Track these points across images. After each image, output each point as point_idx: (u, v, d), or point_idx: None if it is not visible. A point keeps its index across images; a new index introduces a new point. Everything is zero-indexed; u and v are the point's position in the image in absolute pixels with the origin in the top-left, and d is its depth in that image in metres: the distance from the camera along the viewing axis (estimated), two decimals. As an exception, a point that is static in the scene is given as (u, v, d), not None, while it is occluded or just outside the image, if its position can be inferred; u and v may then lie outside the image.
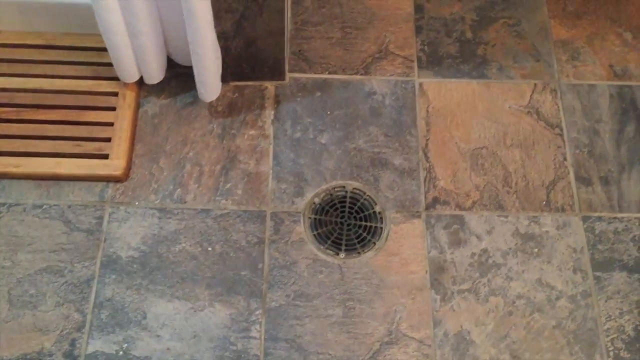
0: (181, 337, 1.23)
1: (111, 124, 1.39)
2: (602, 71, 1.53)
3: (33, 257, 1.29)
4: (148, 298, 1.27)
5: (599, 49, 1.56)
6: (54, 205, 1.34)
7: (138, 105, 1.44)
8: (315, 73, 1.52)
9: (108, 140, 1.38)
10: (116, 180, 1.36)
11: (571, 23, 1.59)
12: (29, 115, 1.39)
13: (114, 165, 1.35)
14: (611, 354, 1.25)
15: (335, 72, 1.52)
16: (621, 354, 1.25)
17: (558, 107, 1.49)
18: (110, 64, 1.40)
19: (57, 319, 1.24)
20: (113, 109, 1.41)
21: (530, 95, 1.50)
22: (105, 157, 1.36)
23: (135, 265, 1.29)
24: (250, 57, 1.43)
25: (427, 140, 1.44)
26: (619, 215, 1.37)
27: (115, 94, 1.42)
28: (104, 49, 1.38)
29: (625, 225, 1.36)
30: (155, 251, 1.31)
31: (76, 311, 1.25)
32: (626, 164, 1.43)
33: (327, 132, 1.45)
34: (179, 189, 1.37)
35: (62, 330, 1.23)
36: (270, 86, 1.49)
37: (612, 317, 1.28)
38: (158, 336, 1.23)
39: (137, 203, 1.35)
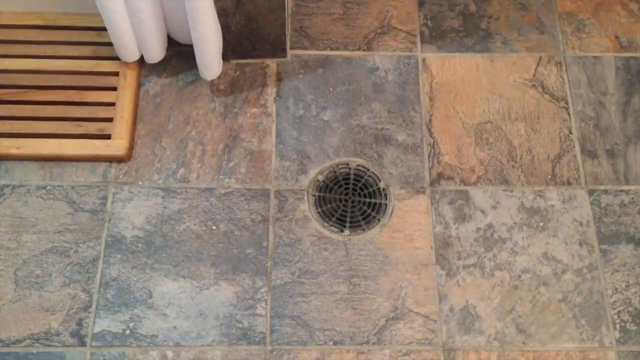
0: (187, 316, 1.24)
1: (112, 104, 1.38)
2: (608, 43, 1.51)
3: (38, 238, 1.29)
4: (153, 277, 1.27)
5: (605, 20, 1.54)
6: (58, 186, 1.34)
7: (139, 85, 1.43)
8: (317, 49, 1.50)
9: (110, 120, 1.37)
10: (119, 160, 1.36)
11: (576, -6, 1.57)
12: (29, 97, 1.38)
13: (117, 145, 1.35)
14: (617, 326, 1.25)
15: (337, 49, 1.50)
16: (628, 327, 1.25)
17: (563, 80, 1.47)
18: (110, 44, 1.39)
19: (64, 299, 1.25)
20: (114, 88, 1.40)
21: (535, 69, 1.48)
22: (108, 137, 1.36)
23: (140, 245, 1.29)
24: (251, 34, 1.41)
25: (431, 115, 1.43)
26: (625, 187, 1.36)
27: (116, 74, 1.41)
28: (104, 29, 1.37)
29: (632, 198, 1.35)
30: (159, 230, 1.31)
31: (82, 291, 1.25)
32: (632, 137, 1.41)
33: (329, 109, 1.44)
34: (182, 169, 1.36)
35: (68, 310, 1.24)
36: (271, 63, 1.48)
37: (619, 290, 1.27)
38: (164, 315, 1.24)
39: (140, 183, 1.35)
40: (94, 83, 1.40)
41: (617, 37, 1.52)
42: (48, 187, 1.33)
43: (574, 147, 1.40)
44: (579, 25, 1.53)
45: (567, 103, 1.45)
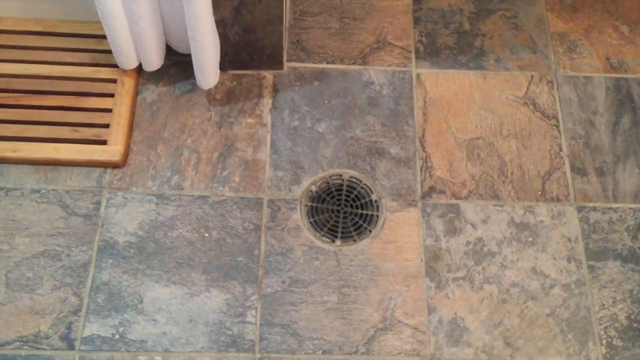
0: (177, 322, 1.24)
1: (109, 110, 1.40)
2: (599, 63, 1.54)
3: (30, 241, 1.29)
4: (144, 282, 1.27)
5: (596, 41, 1.57)
6: (52, 190, 1.34)
7: (136, 92, 1.44)
8: (313, 63, 1.52)
9: (106, 126, 1.38)
10: (114, 166, 1.37)
11: (568, 16, 1.60)
12: (27, 101, 1.40)
13: (112, 151, 1.36)
14: (604, 342, 1.26)
15: (333, 62, 1.52)
16: (614, 342, 1.26)
17: (554, 98, 1.50)
18: (109, 51, 1.41)
19: (54, 302, 1.25)
20: (112, 95, 1.41)
21: (527, 87, 1.51)
22: (104, 142, 1.37)
23: (132, 250, 1.30)
24: (249, 46, 1.43)
25: (424, 130, 1.45)
26: (614, 205, 1.38)
27: (114, 81, 1.43)
28: (103, 37, 1.39)
29: (620, 216, 1.37)
30: (152, 236, 1.31)
31: (73, 295, 1.26)
32: (621, 155, 1.43)
33: (324, 121, 1.46)
34: (176, 176, 1.37)
35: (58, 314, 1.24)
36: (268, 75, 1.50)
37: (606, 306, 1.29)
38: (154, 320, 1.24)
39: (134, 189, 1.36)
40: (91, 89, 1.42)
41: (607, 58, 1.55)
42: (42, 191, 1.34)
43: (564, 164, 1.42)
44: (570, 46, 1.56)
45: (557, 121, 1.47)
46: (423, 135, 1.45)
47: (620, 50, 1.56)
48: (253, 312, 1.26)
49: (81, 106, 1.40)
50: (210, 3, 1.25)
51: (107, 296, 1.26)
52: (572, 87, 1.51)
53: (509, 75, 1.52)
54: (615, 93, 1.51)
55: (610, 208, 1.38)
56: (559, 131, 1.46)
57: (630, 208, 1.38)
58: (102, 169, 1.37)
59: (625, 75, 1.53)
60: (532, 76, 1.52)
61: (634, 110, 1.49)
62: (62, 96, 1.41)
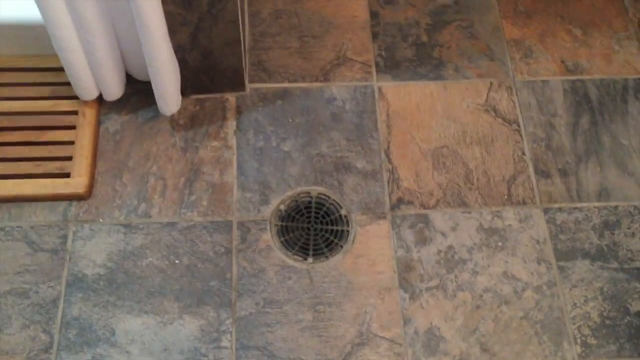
0: (151, 352, 1.22)
1: (72, 143, 1.38)
2: (555, 67, 1.57)
3: (-4, 280, 1.27)
4: (116, 314, 1.25)
5: (551, 45, 1.60)
6: (17, 227, 1.32)
7: (99, 123, 1.43)
8: (275, 82, 1.53)
9: (69, 159, 1.37)
10: (79, 198, 1.35)
11: (522, 22, 1.64)
12: (-13, 138, 1.38)
13: (76, 183, 1.34)
14: (579, 340, 1.27)
15: (295, 81, 1.53)
16: (588, 341, 1.27)
17: (514, 103, 1.52)
18: (68, 83, 1.40)
19: (24, 340, 1.22)
20: (73, 127, 1.40)
21: (487, 94, 1.53)
22: (67, 175, 1.35)
23: (101, 283, 1.28)
24: (209, 69, 1.43)
25: (389, 142, 1.46)
26: (579, 205, 1.40)
27: (75, 113, 1.42)
28: (61, 69, 1.38)
29: (585, 215, 1.39)
30: (121, 267, 1.30)
31: (43, 332, 1.23)
32: (583, 155, 1.46)
33: (289, 139, 1.46)
34: (143, 204, 1.36)
35: (29, 352, 1.21)
36: (231, 97, 1.50)
37: (578, 305, 1.30)
38: (127, 352, 1.22)
39: (101, 220, 1.34)
40: (53, 123, 1.41)
41: (563, 61, 1.58)
42: (7, 229, 1.32)
43: (528, 167, 1.44)
44: (526, 52, 1.59)
45: (519, 126, 1.49)
46: (388, 147, 1.46)
47: (574, 52, 1.60)
48: (228, 336, 1.25)
49: (43, 140, 1.39)
50: (166, 30, 1.25)
51: (78, 331, 1.24)
52: (531, 91, 1.54)
53: (468, 84, 1.54)
54: (572, 95, 1.54)
55: (575, 208, 1.40)
56: (521, 135, 1.48)
57: (595, 207, 1.40)
58: (67, 202, 1.35)
59: (581, 77, 1.56)
60: (491, 83, 1.55)
61: (592, 110, 1.52)
62: (23, 131, 1.40)
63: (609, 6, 1.66)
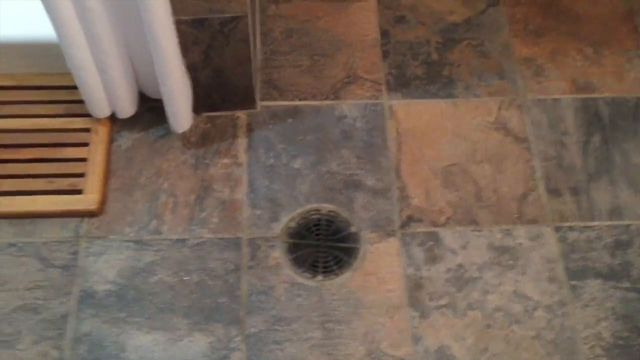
0: (160, 369, 1.23)
1: (84, 160, 1.40)
2: (566, 85, 1.57)
3: (8, 296, 1.28)
4: (126, 331, 1.26)
5: (561, 64, 1.60)
6: (29, 243, 1.34)
7: (111, 140, 1.45)
8: (286, 100, 1.54)
9: (82, 175, 1.39)
10: (91, 214, 1.36)
11: (533, 41, 1.64)
12: (1, 156, 1.40)
13: (88, 199, 1.36)
14: (591, 361, 1.25)
15: (305, 99, 1.54)
16: (601, 361, 1.25)
17: (525, 121, 1.52)
18: (81, 101, 1.42)
19: (35, 357, 1.23)
20: (86, 144, 1.42)
21: (497, 112, 1.53)
22: (79, 192, 1.37)
23: (112, 299, 1.29)
24: (221, 88, 1.45)
25: (399, 160, 1.47)
26: (590, 223, 1.39)
27: (88, 130, 1.44)
28: (75, 87, 1.40)
29: (597, 234, 1.38)
30: (131, 283, 1.30)
31: (54, 348, 1.24)
32: (594, 174, 1.45)
33: (300, 157, 1.47)
34: (154, 220, 1.37)
35: (39, 368, 1.22)
36: (242, 115, 1.51)
37: (590, 325, 1.29)
38: (137, 369, 1.22)
39: (112, 236, 1.35)
40: (66, 140, 1.43)
41: (573, 80, 1.58)
42: (19, 244, 1.33)
43: (539, 185, 1.44)
44: (537, 70, 1.59)
45: (529, 144, 1.49)
46: (398, 165, 1.46)
47: (585, 71, 1.59)
48: (238, 353, 1.24)
49: (56, 157, 1.41)
50: (178, 49, 1.27)
51: (88, 347, 1.24)
52: (542, 109, 1.54)
53: (478, 102, 1.54)
54: (583, 113, 1.53)
55: (587, 227, 1.39)
56: (532, 153, 1.48)
57: (606, 225, 1.39)
58: (79, 218, 1.36)
59: (592, 95, 1.56)
60: (501, 101, 1.55)
61: (603, 128, 1.51)
62: (36, 148, 1.41)
63: (620, 25, 1.66)
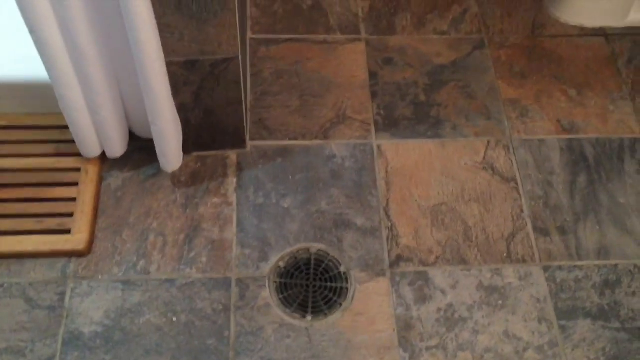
0: (146, 413, 1.20)
1: (74, 200, 1.40)
2: (551, 126, 1.60)
3: (-8, 337, 1.26)
4: (112, 373, 1.24)
5: (546, 105, 1.64)
6: (15, 283, 1.32)
7: (101, 179, 1.45)
8: (276, 140, 1.56)
9: (70, 215, 1.38)
10: (79, 254, 1.35)
11: (518, 83, 1.67)
12: (-10, 195, 1.40)
13: (77, 239, 1.35)
14: (582, 403, 1.24)
15: (295, 138, 1.56)
16: (592, 403, 1.25)
17: (512, 161, 1.54)
18: (72, 141, 1.42)
19: (17, 401, 1.20)
20: (76, 184, 1.42)
21: (485, 152, 1.55)
22: (68, 232, 1.36)
23: (98, 341, 1.27)
24: (211, 127, 1.46)
25: (388, 199, 1.48)
26: (578, 263, 1.40)
27: (78, 170, 1.44)
28: (66, 127, 1.40)
29: (585, 273, 1.39)
30: (118, 325, 1.29)
31: (37, 392, 1.21)
32: (581, 214, 1.47)
33: (289, 196, 1.47)
34: (142, 260, 1.36)
35: (22, 413, 1.19)
36: (232, 154, 1.52)
37: (580, 366, 1.28)
38: (122, 413, 1.20)
39: (100, 277, 1.34)
40: (55, 180, 1.42)
41: (559, 121, 1.61)
42: (5, 285, 1.32)
43: (527, 225, 1.45)
44: (522, 111, 1.62)
45: (517, 183, 1.51)
46: (387, 204, 1.47)
47: (570, 112, 1.62)
48: (225, 396, 1.23)
49: (46, 197, 1.40)
50: (170, 90, 1.28)
51: (73, 391, 1.22)
52: (528, 150, 1.56)
53: (466, 142, 1.57)
54: (569, 153, 1.56)
55: (575, 266, 1.40)
56: (519, 193, 1.49)
57: (594, 265, 1.40)
58: (67, 258, 1.35)
59: (577, 136, 1.59)
60: (488, 141, 1.57)
61: (589, 169, 1.53)
62: (25, 188, 1.41)
63: (603, 68, 1.70)
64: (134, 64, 1.21)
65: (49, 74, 1.24)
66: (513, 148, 1.56)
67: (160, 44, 1.20)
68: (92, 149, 1.41)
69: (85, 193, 1.40)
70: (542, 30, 1.77)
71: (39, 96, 1.45)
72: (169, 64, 1.27)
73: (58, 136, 1.47)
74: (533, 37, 1.75)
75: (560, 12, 1.77)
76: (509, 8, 1.80)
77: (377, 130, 1.58)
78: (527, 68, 1.70)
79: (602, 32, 1.76)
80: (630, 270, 1.39)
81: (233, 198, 1.46)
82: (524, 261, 1.40)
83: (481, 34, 1.75)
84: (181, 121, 1.40)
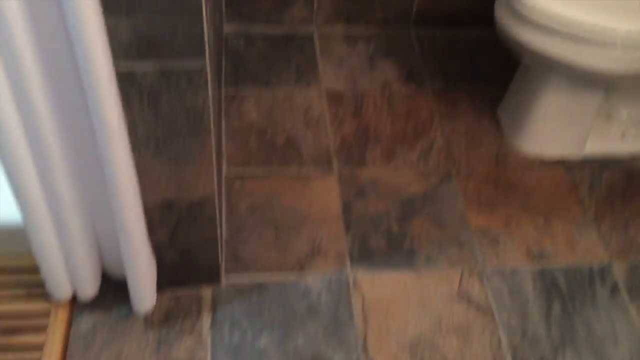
0: None
1: (41, 347, 1.34)
2: (521, 255, 1.63)
3: None
4: None
5: (515, 234, 1.68)
6: None
7: (70, 323, 1.41)
8: (251, 275, 1.55)
9: (37, 363, 1.32)
10: (43, 406, 1.28)
11: (487, 211, 1.72)
12: (-48, 344, 1.34)
13: (42, 390, 1.28)
14: None
15: (270, 274, 1.55)
16: None
17: (486, 291, 1.55)
18: (41, 284, 1.39)
19: None
20: (44, 328, 1.37)
21: (459, 282, 1.56)
22: (33, 381, 1.30)
23: None
24: (186, 265, 1.45)
25: (365, 334, 1.46)
26: (561, 397, 1.38)
27: (47, 314, 1.39)
28: (36, 268, 1.38)
29: (569, 407, 1.36)
30: None
31: None
32: (559, 345, 1.46)
33: (265, 333, 1.44)
34: (111, 410, 1.30)
35: None
36: (206, 291, 1.50)
37: None
38: None
39: None
40: (23, 325, 1.37)
41: (528, 249, 1.64)
42: None
43: (506, 358, 1.43)
44: (492, 240, 1.66)
45: (493, 314, 1.51)
46: (365, 340, 1.45)
47: (538, 240, 1.67)
48: None
49: (11, 343, 1.35)
50: (145, 232, 1.28)
51: None
52: (501, 279, 1.58)
53: (440, 273, 1.58)
54: (541, 283, 1.58)
55: (558, 400, 1.37)
56: (496, 324, 1.49)
57: (577, 398, 1.38)
58: (30, 410, 1.28)
59: (547, 266, 1.62)
60: (462, 272, 1.59)
61: (562, 297, 1.55)
62: (-9, 334, 1.36)
63: (566, 197, 1.77)
64: (111, 208, 1.21)
65: (23, 218, 1.24)
66: (486, 277, 1.58)
67: (137, 187, 1.22)
68: (63, 291, 1.38)
69: (53, 340, 1.35)
70: (505, 161, 1.85)
71: (10, 238, 1.44)
72: (145, 205, 1.28)
73: (28, 278, 1.44)
74: (497, 168, 1.83)
75: (520, 143, 1.86)
76: (473, 140, 1.89)
77: (352, 263, 1.59)
78: (493, 197, 1.76)
79: (562, 162, 1.85)
80: (613, 403, 1.38)
81: (207, 338, 1.42)
82: (507, 397, 1.37)
83: (448, 165, 1.82)
84: (156, 260, 1.39)
